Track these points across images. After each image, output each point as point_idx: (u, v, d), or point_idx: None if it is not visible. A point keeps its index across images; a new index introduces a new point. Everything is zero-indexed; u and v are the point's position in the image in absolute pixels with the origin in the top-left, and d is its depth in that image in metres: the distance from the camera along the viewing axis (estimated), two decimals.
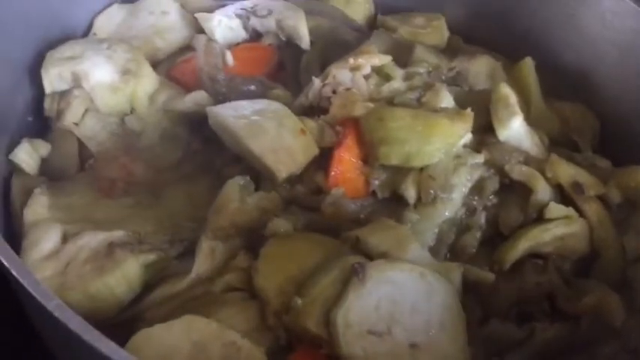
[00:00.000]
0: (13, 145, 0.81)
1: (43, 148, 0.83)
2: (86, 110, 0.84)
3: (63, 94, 0.84)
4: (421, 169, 0.79)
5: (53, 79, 0.83)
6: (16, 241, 0.75)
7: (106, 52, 0.85)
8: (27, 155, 0.81)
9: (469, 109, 0.82)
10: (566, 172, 0.81)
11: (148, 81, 0.85)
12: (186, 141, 0.88)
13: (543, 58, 0.99)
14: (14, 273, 0.52)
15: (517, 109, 0.85)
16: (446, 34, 1.08)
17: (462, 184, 0.79)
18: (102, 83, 0.83)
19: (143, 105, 0.85)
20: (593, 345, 0.73)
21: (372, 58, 0.88)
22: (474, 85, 0.95)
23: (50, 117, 0.86)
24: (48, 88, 0.83)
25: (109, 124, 0.85)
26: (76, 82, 0.83)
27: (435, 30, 1.06)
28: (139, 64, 0.85)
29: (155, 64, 0.91)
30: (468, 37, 1.09)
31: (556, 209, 0.78)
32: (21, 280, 0.52)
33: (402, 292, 0.64)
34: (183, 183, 0.85)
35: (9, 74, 0.83)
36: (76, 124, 0.84)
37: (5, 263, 0.53)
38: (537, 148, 0.86)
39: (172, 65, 0.92)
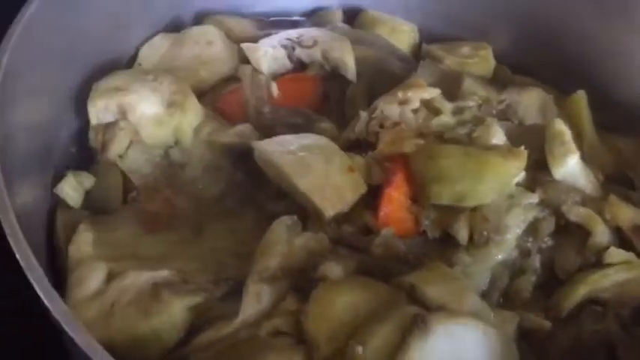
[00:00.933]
0: (57, 177, 0.81)
1: (88, 180, 0.82)
2: (130, 142, 0.84)
3: (108, 126, 0.84)
4: (473, 209, 0.77)
5: (99, 111, 0.82)
6: (59, 274, 0.74)
7: (152, 84, 0.84)
8: (71, 188, 0.80)
9: (522, 147, 0.79)
10: (625, 214, 0.78)
11: (193, 114, 0.84)
12: (230, 174, 0.86)
13: (594, 90, 0.96)
14: (64, 327, 0.50)
15: (573, 146, 0.82)
16: (493, 63, 1.05)
17: (515, 225, 0.76)
18: (148, 116, 0.82)
19: (188, 137, 0.84)
20: None
21: (421, 92, 0.86)
22: (523, 119, 0.93)
23: (94, 149, 0.85)
24: (94, 119, 0.82)
25: (152, 156, 0.85)
26: (122, 114, 0.83)
27: (482, 60, 1.04)
28: (185, 97, 0.84)
29: (199, 95, 0.89)
30: (514, 67, 1.06)
31: (616, 254, 0.75)
32: (71, 334, 0.50)
33: (463, 347, 0.62)
34: (226, 217, 0.83)
35: (54, 104, 0.82)
36: (121, 156, 0.83)
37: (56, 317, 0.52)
38: (592, 186, 0.83)
39: (217, 96, 0.91)
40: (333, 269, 0.69)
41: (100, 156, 0.84)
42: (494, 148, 0.80)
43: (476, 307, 0.66)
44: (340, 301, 0.66)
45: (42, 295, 0.52)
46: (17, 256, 0.53)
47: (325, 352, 0.64)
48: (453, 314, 0.63)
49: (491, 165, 0.76)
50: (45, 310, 0.53)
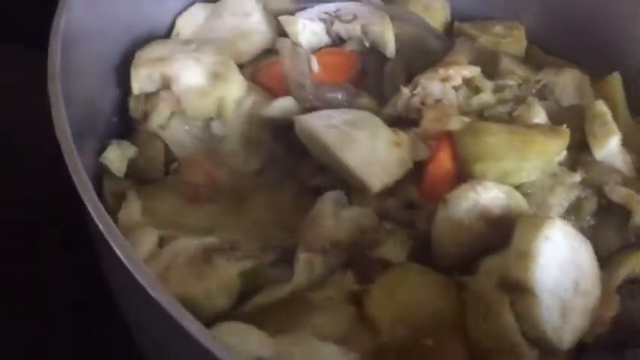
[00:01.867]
0: (102, 146, 0.80)
1: (130, 150, 0.82)
2: (172, 113, 0.83)
3: (149, 96, 0.83)
4: (517, 187, 0.77)
5: (142, 80, 0.81)
6: None
7: (194, 54, 0.83)
8: (115, 157, 0.80)
9: (564, 126, 0.80)
10: None
11: (236, 86, 0.84)
12: (270, 148, 0.86)
13: (627, 72, 0.96)
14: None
15: (614, 127, 0.83)
16: (525, 43, 1.05)
17: (559, 203, 0.78)
18: (191, 86, 0.81)
19: (230, 110, 0.83)
20: None
21: (463, 70, 0.86)
22: (560, 99, 0.93)
23: (135, 119, 0.84)
24: (136, 89, 0.82)
25: (193, 128, 0.84)
26: (165, 84, 0.82)
27: (515, 39, 1.04)
28: (228, 68, 0.84)
29: (239, 67, 0.89)
30: (546, 47, 1.06)
31: None
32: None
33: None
34: (267, 191, 0.84)
35: (98, 75, 0.81)
36: (162, 127, 0.83)
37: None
38: (628, 167, 0.85)
39: (257, 69, 0.90)
40: (394, 252, 0.70)
41: (140, 126, 0.84)
42: (536, 127, 0.81)
43: None
44: (404, 288, 0.67)
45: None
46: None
47: (385, 338, 0.66)
48: None
49: (535, 143, 0.77)
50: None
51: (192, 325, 0.50)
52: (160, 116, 0.83)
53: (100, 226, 0.53)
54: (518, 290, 0.66)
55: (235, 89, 0.84)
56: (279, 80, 0.88)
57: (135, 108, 0.84)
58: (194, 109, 0.83)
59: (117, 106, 0.85)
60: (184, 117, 0.83)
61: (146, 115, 0.83)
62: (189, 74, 0.82)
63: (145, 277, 0.51)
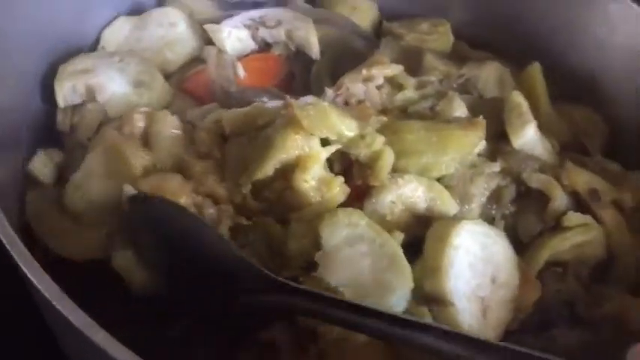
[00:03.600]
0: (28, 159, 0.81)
1: (57, 156, 0.82)
2: (100, 124, 0.83)
3: (76, 108, 0.84)
4: (438, 179, 0.79)
5: (67, 92, 0.82)
6: None
7: (118, 64, 0.85)
8: (42, 164, 0.80)
9: (481, 117, 0.82)
10: (582, 178, 0.82)
11: (161, 93, 0.85)
12: None
13: (550, 63, 0.99)
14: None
15: (530, 116, 0.85)
16: (451, 39, 1.08)
17: (479, 193, 0.80)
18: (116, 96, 0.82)
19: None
20: (614, 351, 0.74)
21: (385, 69, 0.88)
22: (483, 92, 0.96)
23: (63, 131, 0.84)
24: (61, 102, 0.82)
25: None
26: (90, 95, 0.83)
27: (440, 36, 1.06)
28: (152, 76, 0.85)
29: (166, 77, 0.90)
30: (472, 42, 1.09)
31: (574, 218, 0.79)
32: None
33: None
34: None
35: (20, 88, 0.82)
36: (90, 138, 0.83)
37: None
38: (549, 154, 0.87)
39: (184, 77, 0.91)
40: None
41: (68, 138, 0.84)
42: (454, 121, 0.83)
43: None
44: None
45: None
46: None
47: None
48: None
49: (452, 137, 0.80)
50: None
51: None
52: (87, 128, 0.83)
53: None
54: (435, 303, 0.68)
55: (160, 96, 0.85)
56: (205, 87, 0.90)
57: (62, 121, 0.84)
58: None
59: (43, 121, 0.85)
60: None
61: (73, 128, 0.83)
62: (114, 85, 0.83)
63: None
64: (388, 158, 0.76)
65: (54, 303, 0.52)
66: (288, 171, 0.73)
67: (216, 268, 0.68)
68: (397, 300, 0.67)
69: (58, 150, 0.83)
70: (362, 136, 0.76)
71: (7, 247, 0.55)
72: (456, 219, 0.74)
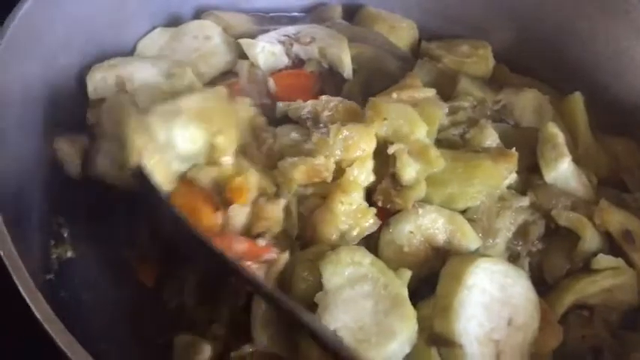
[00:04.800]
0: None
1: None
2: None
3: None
4: (463, 212, 0.77)
5: (97, 84, 0.82)
6: None
7: (150, 60, 0.86)
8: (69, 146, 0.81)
9: (514, 149, 0.79)
10: (615, 219, 0.79)
11: (192, 84, 0.84)
12: None
13: (593, 92, 0.96)
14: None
15: (565, 150, 0.82)
16: (492, 63, 1.04)
17: (505, 228, 0.77)
18: (145, 86, 0.82)
19: None
20: None
21: (416, 92, 0.86)
22: (519, 120, 0.93)
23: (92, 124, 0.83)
24: (92, 94, 0.82)
25: None
26: (120, 85, 0.82)
27: (480, 59, 1.03)
28: (184, 70, 0.85)
29: None
30: (514, 66, 1.05)
31: (605, 260, 0.76)
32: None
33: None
34: None
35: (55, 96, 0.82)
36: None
37: None
38: (585, 189, 0.84)
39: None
40: None
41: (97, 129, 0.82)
42: (484, 151, 0.81)
43: None
44: None
45: None
46: None
47: None
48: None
49: (480, 168, 0.77)
50: None
51: None
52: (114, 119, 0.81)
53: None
54: (444, 344, 0.66)
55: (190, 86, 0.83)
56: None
57: (91, 113, 0.83)
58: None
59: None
60: None
61: (101, 120, 0.81)
62: (144, 73, 0.83)
63: None
64: (423, 187, 0.75)
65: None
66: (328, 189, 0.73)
67: None
68: (400, 345, 0.64)
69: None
70: None
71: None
72: (473, 256, 0.71)
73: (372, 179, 0.76)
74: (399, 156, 0.75)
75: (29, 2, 0.73)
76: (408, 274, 0.69)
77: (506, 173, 0.78)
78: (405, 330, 0.65)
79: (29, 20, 0.73)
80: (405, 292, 0.67)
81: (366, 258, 0.69)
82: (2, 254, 0.54)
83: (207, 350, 0.71)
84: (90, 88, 0.82)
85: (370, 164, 0.76)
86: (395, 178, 0.76)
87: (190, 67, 0.87)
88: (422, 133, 0.77)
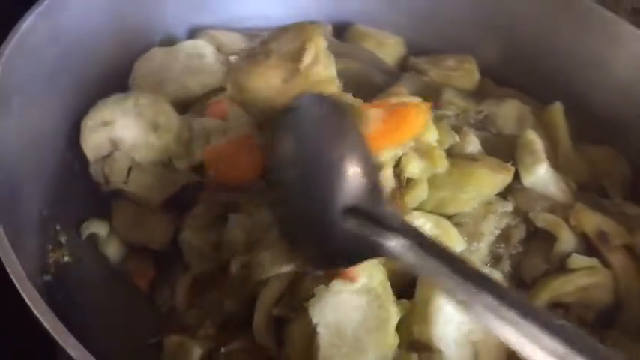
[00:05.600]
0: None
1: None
2: (129, 169, 0.87)
3: (105, 159, 0.87)
4: (450, 217, 0.80)
5: (94, 148, 0.86)
6: None
7: (133, 109, 0.88)
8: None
9: (510, 164, 0.82)
10: (590, 220, 0.81)
11: (178, 131, 0.88)
12: None
13: (574, 102, 0.99)
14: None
15: (542, 155, 0.85)
16: (477, 76, 1.08)
17: (490, 232, 0.80)
18: (138, 144, 0.86)
19: (180, 152, 0.88)
20: None
21: (402, 99, 0.89)
22: (502, 129, 0.96)
23: (99, 182, 0.88)
24: (91, 157, 0.86)
25: (155, 171, 0.88)
26: (115, 146, 0.87)
27: (466, 72, 1.07)
28: (167, 116, 0.88)
29: (188, 105, 0.94)
30: (498, 79, 1.09)
31: (579, 260, 0.78)
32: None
33: None
34: None
35: (51, 115, 0.86)
36: (124, 182, 0.87)
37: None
38: (563, 194, 0.86)
39: (206, 105, 0.95)
40: None
41: (105, 188, 0.88)
42: (480, 159, 0.83)
43: None
44: None
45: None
46: None
47: None
48: None
49: (475, 175, 0.80)
50: None
51: None
52: (118, 176, 0.87)
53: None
54: (424, 349, 0.68)
55: (179, 134, 0.87)
56: (224, 114, 0.93)
57: (95, 172, 0.87)
58: (146, 160, 0.87)
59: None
60: (142, 167, 0.87)
61: (107, 177, 0.87)
62: (133, 133, 0.86)
63: None
64: (425, 187, 0.77)
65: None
66: None
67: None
68: None
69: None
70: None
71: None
72: None
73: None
74: (406, 152, 0.77)
75: (31, 19, 0.77)
76: (406, 307, 0.70)
77: (501, 185, 0.81)
78: (378, 355, 0.67)
79: (30, 36, 0.77)
80: (394, 322, 0.68)
81: (379, 275, 0.70)
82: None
83: (196, 351, 0.74)
84: (88, 153, 0.86)
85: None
86: (399, 179, 0.77)
87: (182, 95, 0.93)
88: (432, 137, 0.79)
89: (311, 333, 0.68)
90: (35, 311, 0.55)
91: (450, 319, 0.69)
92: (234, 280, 0.76)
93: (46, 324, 0.54)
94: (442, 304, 0.69)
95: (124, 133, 0.86)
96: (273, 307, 0.72)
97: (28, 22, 0.77)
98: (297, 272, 0.72)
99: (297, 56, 0.79)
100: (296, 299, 0.72)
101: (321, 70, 0.80)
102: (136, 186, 0.87)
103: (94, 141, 0.86)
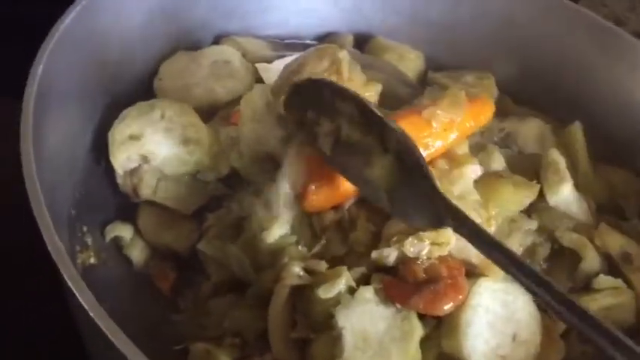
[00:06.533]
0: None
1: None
2: (158, 180, 0.87)
3: (133, 171, 0.87)
4: None
5: (123, 163, 0.85)
6: None
7: (162, 124, 0.87)
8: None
9: (535, 181, 0.84)
10: (615, 241, 0.82)
11: (209, 145, 0.88)
12: None
13: (592, 122, 1.00)
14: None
15: (567, 175, 0.86)
16: (495, 92, 1.09)
17: (515, 249, 0.80)
18: (169, 159, 0.86)
19: (209, 164, 0.88)
20: None
21: None
22: (522, 148, 0.97)
23: (127, 193, 0.88)
24: (120, 170, 0.86)
25: (182, 182, 0.89)
26: (144, 159, 0.86)
27: (485, 89, 1.08)
28: (197, 129, 0.88)
29: (214, 111, 0.94)
30: (516, 97, 1.10)
31: (605, 281, 0.79)
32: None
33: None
34: None
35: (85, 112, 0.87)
36: (153, 193, 0.87)
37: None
38: (584, 214, 0.87)
39: (230, 112, 0.95)
40: None
41: (133, 199, 0.88)
42: (506, 177, 0.84)
43: None
44: None
45: None
46: None
47: None
48: None
49: (500, 192, 0.81)
50: None
51: None
52: (147, 187, 0.87)
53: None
54: None
55: (209, 148, 0.88)
56: None
57: (124, 184, 0.87)
58: (176, 174, 0.87)
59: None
60: (171, 179, 0.88)
61: (135, 188, 0.87)
62: (164, 149, 0.86)
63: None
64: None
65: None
66: None
67: None
68: None
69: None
70: None
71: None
72: (475, 275, 0.73)
73: None
74: None
75: (71, 16, 0.78)
76: (431, 325, 0.71)
77: (526, 201, 0.82)
78: None
79: (69, 35, 0.77)
80: (418, 336, 0.69)
81: None
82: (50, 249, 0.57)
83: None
84: (116, 167, 0.85)
85: None
86: None
87: (207, 102, 0.93)
88: (463, 149, 0.83)
89: (334, 354, 0.69)
90: (92, 314, 0.54)
91: (479, 334, 0.70)
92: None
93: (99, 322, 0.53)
94: (471, 318, 0.70)
95: (154, 148, 0.85)
96: (292, 330, 0.73)
97: (67, 21, 0.77)
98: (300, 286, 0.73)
99: (331, 72, 0.82)
100: (313, 320, 0.73)
101: (357, 76, 0.83)
102: (165, 197, 0.87)
103: (123, 156, 0.85)
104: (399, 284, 0.71)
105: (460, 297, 0.69)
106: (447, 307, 0.69)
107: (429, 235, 0.72)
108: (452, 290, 0.69)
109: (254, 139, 0.85)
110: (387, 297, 0.70)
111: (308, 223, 0.78)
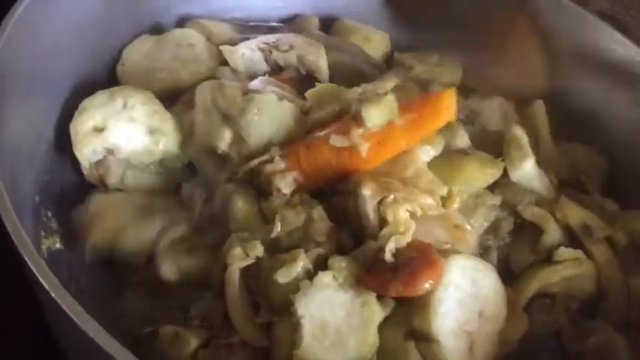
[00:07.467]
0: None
1: None
2: (124, 170, 0.86)
3: (99, 162, 0.86)
4: None
5: (88, 156, 0.84)
6: None
7: (124, 114, 0.85)
8: None
9: (499, 159, 0.85)
10: (575, 214, 0.84)
11: (174, 133, 0.87)
12: None
13: (554, 101, 1.02)
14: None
15: (529, 150, 0.88)
16: (460, 72, 1.11)
17: (479, 224, 0.82)
18: (135, 150, 0.85)
19: (175, 153, 0.88)
20: None
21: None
22: (486, 125, 0.98)
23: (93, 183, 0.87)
24: (85, 163, 0.85)
25: (149, 170, 0.88)
26: (110, 152, 0.85)
27: (450, 68, 1.09)
28: (162, 117, 0.87)
29: (178, 94, 0.93)
30: (480, 77, 1.11)
31: (565, 253, 0.81)
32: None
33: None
34: None
35: (46, 97, 0.85)
36: (120, 181, 0.86)
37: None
38: (546, 188, 0.89)
39: (192, 96, 0.94)
40: None
41: (101, 188, 0.87)
42: (471, 154, 0.85)
43: None
44: None
45: None
46: None
47: None
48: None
49: (465, 170, 0.82)
50: None
51: None
52: (114, 177, 0.86)
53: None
54: (423, 339, 0.69)
55: (176, 138, 0.87)
56: None
57: (90, 174, 0.86)
58: (142, 164, 0.87)
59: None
60: (137, 168, 0.87)
61: (102, 178, 0.86)
62: (129, 141, 0.85)
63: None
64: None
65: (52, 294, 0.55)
66: None
67: None
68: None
69: None
70: None
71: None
72: (447, 252, 0.73)
73: None
74: None
75: (25, 3, 0.76)
76: (392, 307, 0.71)
77: (490, 179, 0.84)
78: (358, 352, 0.68)
79: (25, 21, 0.76)
80: (377, 322, 0.69)
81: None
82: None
83: (193, 342, 0.74)
84: (81, 160, 0.84)
85: None
86: None
87: (172, 85, 0.92)
88: None
89: (294, 340, 0.70)
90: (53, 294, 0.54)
91: (449, 312, 0.70)
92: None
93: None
94: (442, 295, 0.70)
95: (119, 141, 0.84)
96: (256, 314, 0.74)
97: (22, 8, 0.76)
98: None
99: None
100: (274, 304, 0.73)
101: None
102: (133, 186, 0.87)
103: (87, 149, 0.84)
104: (375, 275, 0.71)
105: (436, 272, 0.69)
106: (427, 284, 0.68)
107: (389, 230, 0.73)
108: (427, 267, 0.69)
109: (204, 131, 0.85)
110: (367, 289, 0.70)
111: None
